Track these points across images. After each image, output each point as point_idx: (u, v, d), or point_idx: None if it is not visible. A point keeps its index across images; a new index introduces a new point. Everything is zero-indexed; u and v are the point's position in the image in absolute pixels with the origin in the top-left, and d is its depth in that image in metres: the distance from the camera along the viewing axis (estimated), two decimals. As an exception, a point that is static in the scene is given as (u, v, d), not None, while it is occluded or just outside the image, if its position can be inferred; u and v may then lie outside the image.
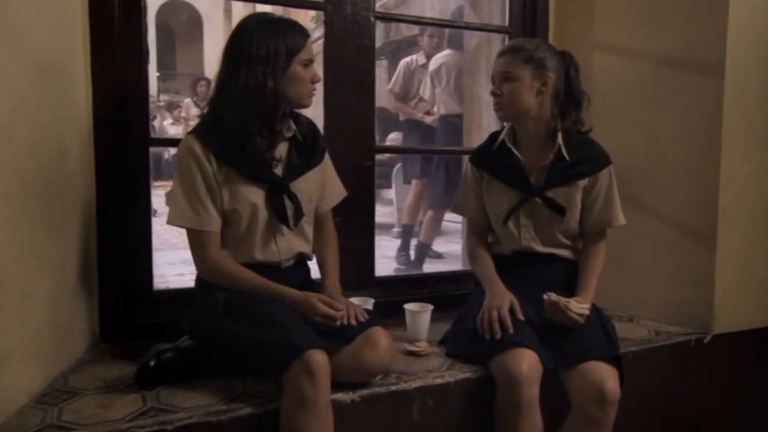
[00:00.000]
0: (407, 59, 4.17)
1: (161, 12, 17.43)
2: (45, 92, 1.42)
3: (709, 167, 1.92)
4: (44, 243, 1.41)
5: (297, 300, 1.46)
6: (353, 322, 1.46)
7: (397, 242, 4.27)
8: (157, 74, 17.63)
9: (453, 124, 3.72)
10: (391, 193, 5.65)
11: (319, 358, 1.28)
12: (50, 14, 1.47)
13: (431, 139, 3.96)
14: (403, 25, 7.61)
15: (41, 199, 1.39)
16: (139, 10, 1.72)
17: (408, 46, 7.17)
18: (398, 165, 5.05)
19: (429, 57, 3.98)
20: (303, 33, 1.49)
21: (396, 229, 4.85)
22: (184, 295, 1.74)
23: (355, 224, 2.03)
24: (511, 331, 1.53)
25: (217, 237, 1.49)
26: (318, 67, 1.61)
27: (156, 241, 1.79)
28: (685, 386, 1.92)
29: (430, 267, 3.90)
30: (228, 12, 16.27)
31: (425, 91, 3.92)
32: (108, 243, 1.71)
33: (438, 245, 4.37)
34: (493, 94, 1.72)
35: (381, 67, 8.11)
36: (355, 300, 1.81)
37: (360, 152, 2.03)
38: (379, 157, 5.18)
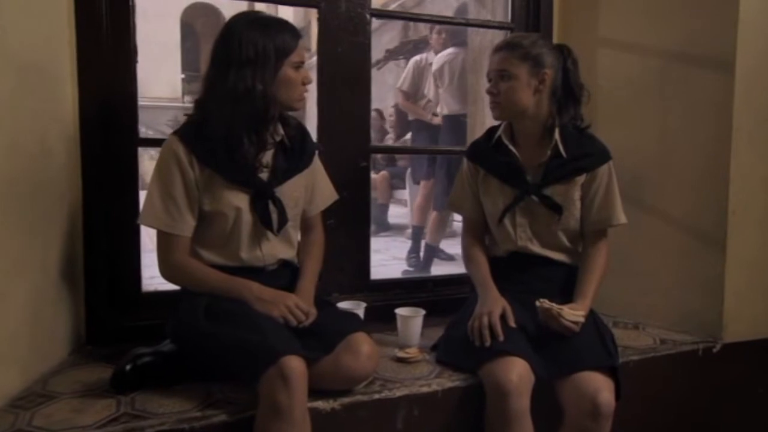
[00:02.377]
0: (417, 57, 4.12)
1: (186, 14, 17.68)
2: (26, 92, 1.41)
3: (718, 168, 1.83)
4: (23, 244, 1.39)
5: (264, 289, 1.43)
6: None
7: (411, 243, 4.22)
8: (182, 76, 17.89)
9: (457, 124, 3.66)
10: (406, 194, 5.62)
11: (294, 364, 1.24)
12: (33, 14, 1.46)
13: (436, 140, 3.90)
14: (421, 25, 7.55)
15: (20, 200, 1.38)
16: (127, 9, 1.70)
17: (425, 45, 7.11)
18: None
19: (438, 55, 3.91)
20: (294, 34, 1.45)
21: (409, 230, 4.80)
22: (172, 297, 1.69)
23: (349, 226, 1.99)
24: (501, 338, 1.47)
25: (186, 242, 1.46)
26: (312, 66, 1.58)
27: (145, 243, 1.77)
28: (692, 398, 1.83)
29: (440, 269, 3.84)
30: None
31: (429, 91, 3.87)
32: (94, 244, 1.69)
33: (450, 247, 4.31)
34: (489, 92, 1.67)
35: (399, 66, 8.06)
36: (346, 304, 1.78)
37: (355, 152, 1.98)
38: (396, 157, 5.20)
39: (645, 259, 2.02)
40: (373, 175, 5.57)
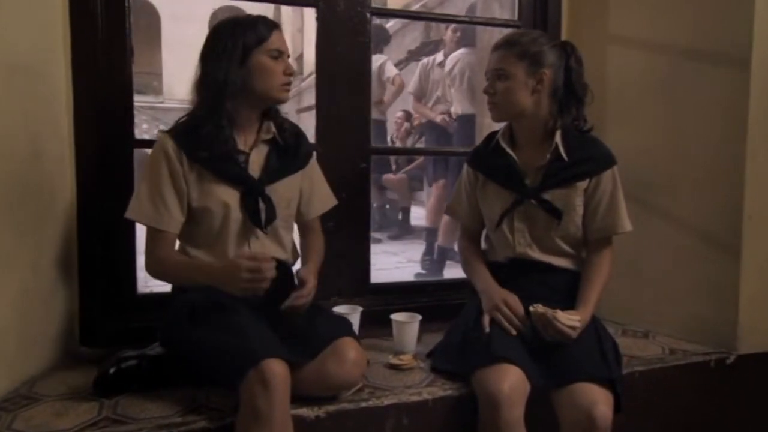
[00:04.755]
0: (424, 60, 4.09)
1: (214, 18, 17.90)
2: (15, 92, 1.41)
3: (733, 170, 1.74)
4: (11, 245, 1.39)
5: (219, 268, 1.37)
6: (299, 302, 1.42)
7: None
8: (210, 78, 18.12)
9: (468, 124, 3.61)
10: (423, 196, 5.57)
11: (275, 367, 1.20)
12: (25, 15, 1.46)
13: (449, 141, 3.86)
14: (443, 25, 7.48)
15: (7, 200, 1.37)
16: (123, 9, 1.69)
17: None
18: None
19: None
20: (268, 25, 1.46)
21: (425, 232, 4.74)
22: (168, 299, 1.70)
23: (348, 228, 1.95)
24: (515, 324, 1.48)
25: (172, 238, 1.46)
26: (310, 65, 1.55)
27: (141, 245, 1.76)
28: (702, 413, 1.75)
29: (454, 272, 3.77)
30: (277, 18, 16.53)
31: (443, 92, 3.84)
32: (89, 245, 1.69)
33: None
34: (486, 92, 1.61)
35: (420, 68, 8.01)
36: (342, 308, 1.74)
37: (354, 154, 1.94)
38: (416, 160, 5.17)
39: (656, 264, 1.94)
40: (391, 177, 5.56)
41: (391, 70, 4.30)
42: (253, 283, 1.30)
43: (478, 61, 3.28)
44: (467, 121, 3.65)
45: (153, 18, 16.67)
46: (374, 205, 5.87)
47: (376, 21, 6.35)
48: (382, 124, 4.53)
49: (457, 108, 3.72)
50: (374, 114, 4.42)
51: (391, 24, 8.86)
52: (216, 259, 1.48)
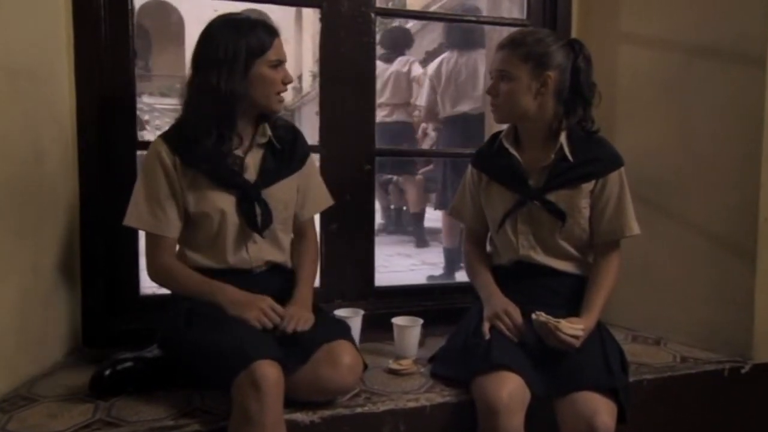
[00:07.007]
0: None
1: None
2: (17, 95, 1.41)
3: (748, 171, 1.68)
4: (10, 246, 1.39)
5: (238, 293, 1.39)
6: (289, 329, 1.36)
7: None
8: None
9: (458, 125, 3.59)
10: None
11: (267, 370, 1.19)
12: (28, 18, 1.47)
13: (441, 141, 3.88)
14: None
15: (7, 202, 1.38)
16: (126, 13, 1.70)
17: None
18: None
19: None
20: (269, 32, 1.42)
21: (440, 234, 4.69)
22: (169, 300, 1.70)
23: (353, 231, 1.93)
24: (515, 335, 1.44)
25: (172, 243, 1.45)
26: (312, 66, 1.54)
27: (143, 246, 1.76)
28: (715, 424, 1.68)
29: (464, 275, 3.72)
30: (299, 21, 16.61)
31: (421, 98, 3.89)
32: (92, 246, 1.70)
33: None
34: (489, 93, 1.57)
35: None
36: (343, 311, 1.72)
37: (359, 155, 1.92)
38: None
39: (667, 269, 1.88)
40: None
41: (416, 70, 4.28)
42: (262, 319, 1.35)
43: (489, 60, 3.24)
44: (454, 122, 3.62)
45: (177, 21, 16.88)
46: (391, 207, 5.85)
47: (407, 24, 6.37)
48: (409, 126, 4.46)
49: (443, 111, 3.71)
50: (402, 116, 4.39)
51: (410, 26, 8.83)
52: (215, 263, 1.47)
